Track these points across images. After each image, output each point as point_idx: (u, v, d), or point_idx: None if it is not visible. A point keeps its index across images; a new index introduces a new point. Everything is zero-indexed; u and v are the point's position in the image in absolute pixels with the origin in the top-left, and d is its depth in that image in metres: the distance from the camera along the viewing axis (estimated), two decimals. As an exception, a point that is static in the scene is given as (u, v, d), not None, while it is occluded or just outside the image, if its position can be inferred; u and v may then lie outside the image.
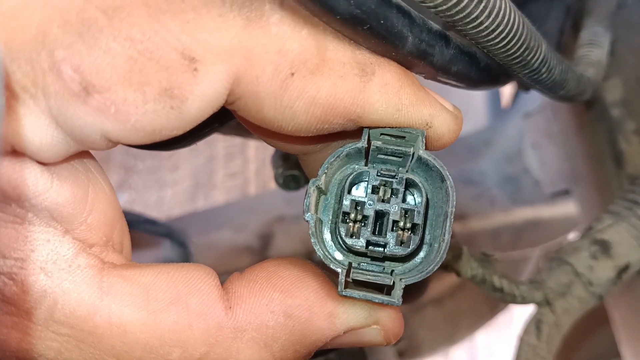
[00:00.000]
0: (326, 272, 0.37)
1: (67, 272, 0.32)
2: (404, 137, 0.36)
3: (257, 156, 2.48)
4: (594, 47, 0.64)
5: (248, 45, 0.31)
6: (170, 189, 2.49)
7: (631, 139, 0.77)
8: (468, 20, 0.34)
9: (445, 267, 0.59)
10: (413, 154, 0.36)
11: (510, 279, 0.61)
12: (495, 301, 1.28)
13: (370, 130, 0.36)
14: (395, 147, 0.36)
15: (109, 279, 0.33)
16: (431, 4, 0.33)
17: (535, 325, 0.61)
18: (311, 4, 0.30)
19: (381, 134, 0.36)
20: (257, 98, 0.32)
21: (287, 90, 0.32)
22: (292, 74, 0.32)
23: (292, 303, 0.35)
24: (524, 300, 0.61)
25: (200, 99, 0.31)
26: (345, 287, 0.34)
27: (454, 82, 0.40)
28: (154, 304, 0.33)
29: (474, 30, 0.35)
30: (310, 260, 0.38)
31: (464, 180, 1.22)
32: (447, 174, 0.36)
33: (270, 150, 0.77)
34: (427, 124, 0.36)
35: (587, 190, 0.95)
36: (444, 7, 0.33)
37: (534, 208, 1.20)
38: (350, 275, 0.34)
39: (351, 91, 0.33)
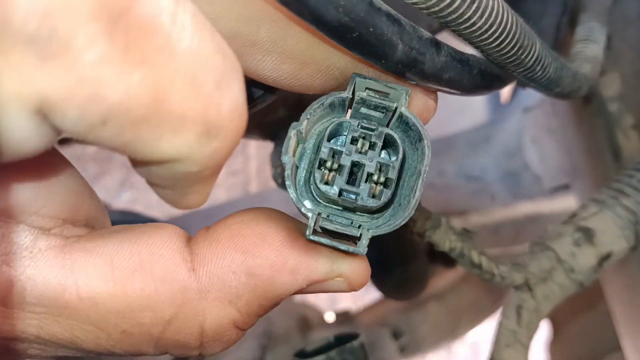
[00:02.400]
0: (296, 221, 0.38)
1: (29, 258, 0.33)
2: (388, 94, 0.37)
3: (258, 154, 2.48)
4: (590, 43, 0.64)
5: (44, 88, 0.25)
6: (172, 188, 2.48)
7: (629, 133, 0.77)
8: (461, 20, 0.35)
9: (422, 235, 0.59)
10: (395, 109, 0.37)
11: (490, 257, 0.61)
12: (497, 296, 1.28)
13: (357, 80, 0.37)
14: (379, 101, 0.37)
15: (72, 255, 0.34)
16: (423, 6, 0.33)
17: (515, 310, 0.61)
18: (299, 12, 0.30)
19: (366, 88, 0.37)
20: (83, 139, 0.28)
21: (100, 138, 0.27)
22: (105, 123, 0.26)
23: (253, 263, 0.36)
24: (503, 281, 0.61)
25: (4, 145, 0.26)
26: (312, 233, 0.35)
27: (446, 89, 0.40)
28: (119, 274, 0.34)
29: (467, 31, 0.36)
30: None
31: (465, 176, 1.22)
32: (426, 133, 0.36)
33: (270, 148, 0.77)
34: None
35: (586, 184, 0.95)
36: (436, 8, 0.33)
37: (534, 203, 1.20)
38: (319, 224, 0.36)
39: (187, 149, 0.29)
